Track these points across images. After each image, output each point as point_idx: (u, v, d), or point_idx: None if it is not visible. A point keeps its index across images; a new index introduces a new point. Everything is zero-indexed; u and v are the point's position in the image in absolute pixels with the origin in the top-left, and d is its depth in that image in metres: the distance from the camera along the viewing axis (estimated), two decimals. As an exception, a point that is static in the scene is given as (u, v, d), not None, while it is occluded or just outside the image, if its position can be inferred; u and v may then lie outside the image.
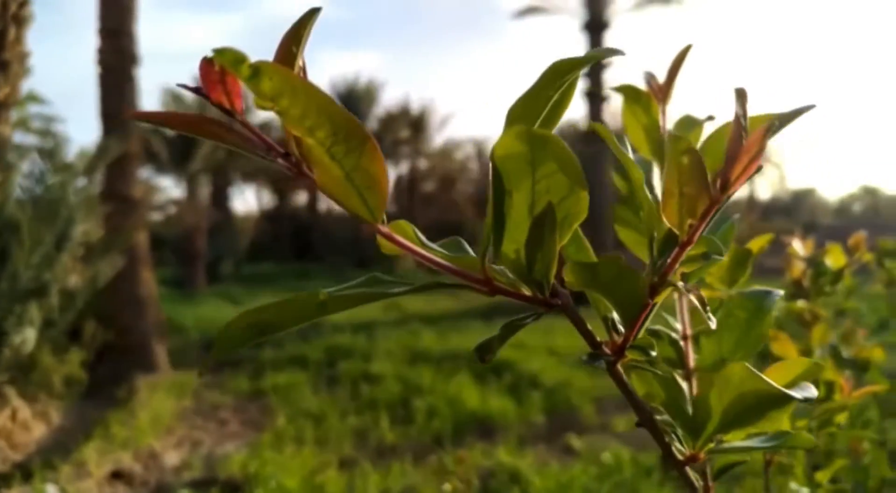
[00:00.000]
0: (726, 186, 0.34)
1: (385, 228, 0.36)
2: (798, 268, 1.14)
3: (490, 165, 0.36)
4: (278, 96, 0.31)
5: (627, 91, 0.52)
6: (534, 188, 0.35)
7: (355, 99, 21.02)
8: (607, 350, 0.40)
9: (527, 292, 0.38)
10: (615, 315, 0.41)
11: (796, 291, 1.13)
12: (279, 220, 22.09)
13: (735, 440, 0.41)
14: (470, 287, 0.38)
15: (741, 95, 0.32)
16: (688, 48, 0.49)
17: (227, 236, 16.16)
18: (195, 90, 0.34)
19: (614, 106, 13.04)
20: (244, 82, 0.31)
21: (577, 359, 5.96)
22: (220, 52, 0.29)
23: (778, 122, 0.34)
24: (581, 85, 11.61)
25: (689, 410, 0.43)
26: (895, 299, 1.44)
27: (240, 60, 0.29)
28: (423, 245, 0.38)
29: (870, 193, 31.51)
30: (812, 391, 0.36)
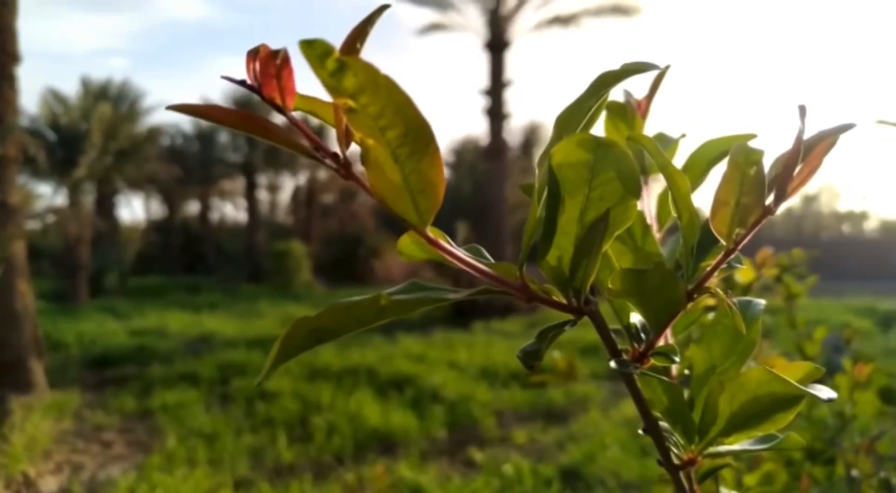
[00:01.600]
0: (781, 199, 0.35)
1: (431, 235, 0.36)
2: (711, 283, 1.17)
3: (544, 171, 0.35)
4: (359, 93, 0.30)
5: (612, 106, 0.53)
6: (589, 195, 0.35)
7: (254, 106, 20.51)
8: (626, 358, 0.40)
9: (561, 299, 0.38)
10: (637, 322, 0.42)
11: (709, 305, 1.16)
12: (169, 231, 21.20)
13: (736, 443, 0.42)
14: (508, 293, 0.37)
15: (803, 112, 0.33)
16: (667, 68, 0.51)
17: (112, 247, 15.36)
18: (243, 84, 0.33)
19: (514, 124, 13.33)
20: (324, 76, 0.30)
21: (478, 372, 6.01)
22: (309, 43, 0.29)
23: (824, 138, 0.35)
24: (483, 103, 11.74)
25: (693, 415, 0.44)
26: (792, 312, 1.52)
27: (328, 53, 0.29)
28: (456, 253, 0.38)
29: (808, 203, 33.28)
30: (831, 392, 0.37)
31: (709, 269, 0.39)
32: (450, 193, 19.74)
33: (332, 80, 0.30)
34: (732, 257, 0.38)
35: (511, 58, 12.20)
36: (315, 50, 0.29)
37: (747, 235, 0.37)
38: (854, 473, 1.40)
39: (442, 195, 0.34)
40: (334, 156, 0.34)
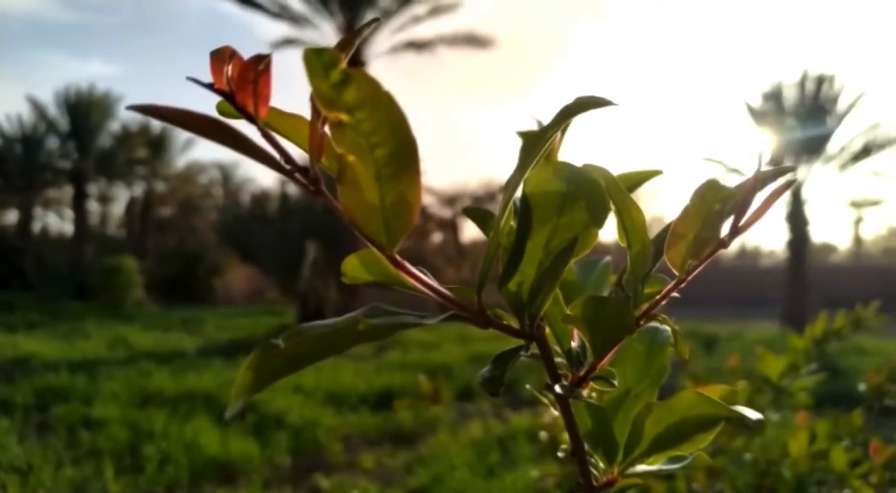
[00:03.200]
0: (735, 233, 0.37)
1: (399, 258, 0.35)
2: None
3: (507, 196, 0.35)
4: (358, 107, 0.30)
5: (529, 135, 0.53)
6: (557, 223, 0.36)
7: (84, 110, 19.07)
8: (565, 383, 0.41)
9: (514, 324, 0.38)
10: (579, 348, 0.43)
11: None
12: (-20, 241, 19.10)
13: (656, 463, 0.44)
14: (465, 319, 0.37)
15: (759, 157, 0.36)
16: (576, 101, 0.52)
17: None
18: (211, 87, 0.31)
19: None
20: (324, 88, 0.29)
21: (325, 396, 5.87)
22: (316, 51, 0.29)
23: (761, 180, 0.37)
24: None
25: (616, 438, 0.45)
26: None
27: (334, 64, 0.29)
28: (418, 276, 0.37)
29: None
30: (758, 414, 0.38)
31: (658, 297, 0.40)
32: (301, 212, 19.35)
33: (331, 91, 0.29)
34: (663, 286, 0.39)
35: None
36: (322, 59, 0.28)
37: (699, 266, 0.38)
38: (695, 486, 1.48)
39: (416, 219, 0.33)
40: (304, 171, 0.33)
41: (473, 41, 12.73)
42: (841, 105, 14.86)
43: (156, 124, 20.25)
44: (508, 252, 0.37)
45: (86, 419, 4.80)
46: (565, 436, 1.03)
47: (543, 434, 1.19)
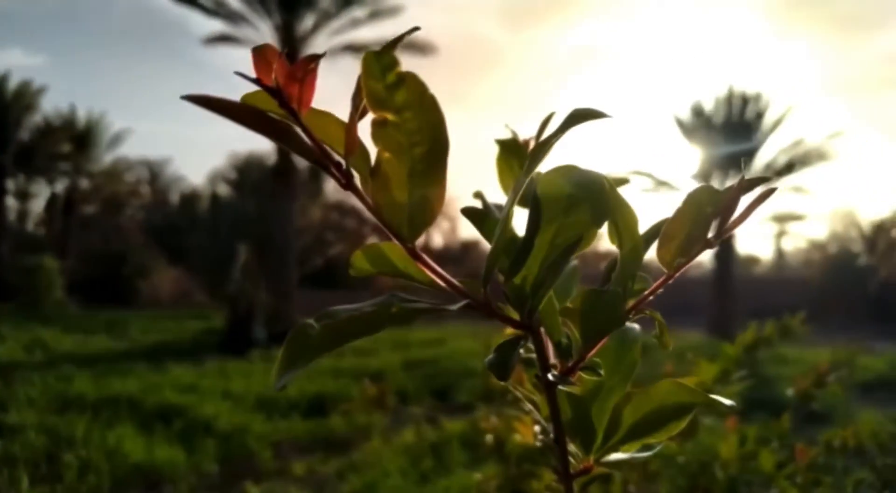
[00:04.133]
0: (720, 235, 0.40)
1: (418, 250, 0.38)
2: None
3: (513, 197, 0.37)
4: (405, 108, 0.33)
5: (506, 143, 0.56)
6: (563, 222, 0.38)
7: (1, 101, 18.19)
8: (555, 373, 0.43)
9: (515, 316, 0.41)
10: (570, 339, 0.44)
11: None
12: None
13: (631, 450, 0.47)
14: (475, 308, 0.39)
15: (745, 163, 0.39)
16: (551, 114, 0.54)
17: None
18: (258, 82, 0.33)
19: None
20: (378, 88, 0.32)
21: (255, 402, 5.75)
22: (376, 54, 0.31)
23: (744, 187, 0.40)
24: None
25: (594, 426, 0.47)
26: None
27: (391, 66, 0.32)
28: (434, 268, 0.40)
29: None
30: (730, 401, 0.42)
31: (646, 292, 0.43)
32: (231, 214, 18.93)
33: (385, 92, 0.32)
34: (646, 285, 0.43)
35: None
36: (381, 61, 0.31)
37: (687, 263, 0.41)
38: (630, 489, 1.51)
39: (437, 216, 0.36)
40: (338, 165, 0.35)
41: (414, 47, 12.75)
42: (766, 122, 15.54)
43: (81, 118, 19.52)
44: (517, 248, 0.39)
45: (-1, 426, 4.56)
46: (517, 436, 1.03)
47: (489, 437, 1.19)
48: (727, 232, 0.41)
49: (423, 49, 12.63)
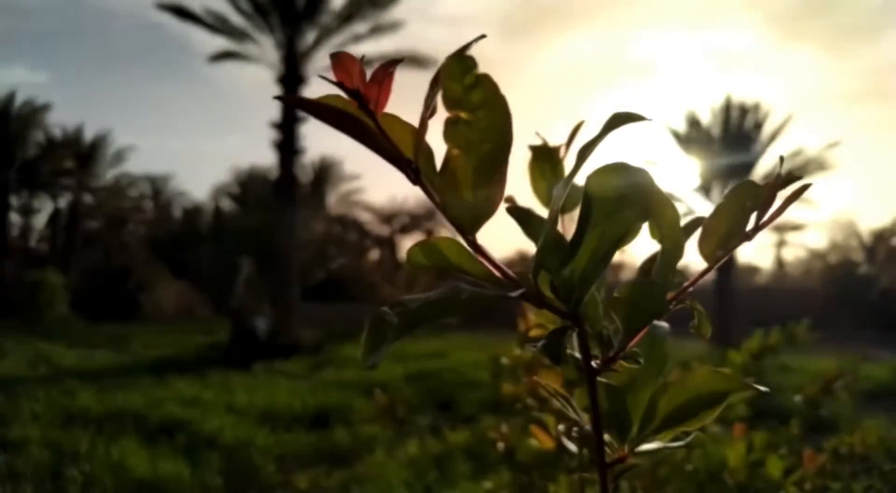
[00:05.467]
0: (758, 229, 0.43)
1: (477, 241, 0.40)
2: (531, 319, 1.22)
3: (561, 193, 0.39)
4: (479, 107, 0.35)
5: (539, 149, 0.58)
6: (613, 218, 0.40)
7: (5, 118, 18.27)
8: (595, 363, 0.45)
9: (562, 307, 0.42)
10: (611, 331, 0.46)
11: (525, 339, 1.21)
12: None
13: (665, 439, 0.48)
14: (527, 298, 0.41)
15: (781, 160, 0.42)
16: (581, 123, 0.57)
17: None
18: (341, 85, 0.35)
19: (304, 158, 13.22)
20: (457, 89, 0.35)
21: (259, 416, 5.73)
22: (460, 57, 0.34)
23: (780, 183, 0.43)
24: (273, 136, 11.55)
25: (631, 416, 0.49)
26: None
27: (471, 68, 0.34)
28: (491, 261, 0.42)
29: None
30: (765, 388, 0.45)
31: (686, 283, 0.45)
32: (234, 228, 18.95)
33: (463, 92, 0.35)
34: (682, 277, 0.45)
35: (310, 93, 12.16)
36: (463, 64, 0.34)
37: (725, 256, 0.44)
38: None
39: (495, 211, 0.39)
40: (408, 162, 0.37)
41: (414, 61, 12.80)
42: (765, 133, 15.57)
43: (86, 135, 19.60)
44: (570, 242, 0.40)
45: (2, 441, 4.55)
46: (532, 442, 1.03)
47: (500, 445, 1.19)
48: (765, 226, 0.43)
49: (423, 62, 12.69)
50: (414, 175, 0.38)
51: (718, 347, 10.78)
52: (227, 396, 6.45)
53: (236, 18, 12.95)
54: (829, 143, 15.33)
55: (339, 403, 6.24)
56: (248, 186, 21.96)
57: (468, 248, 0.40)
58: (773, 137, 15.51)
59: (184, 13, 12.83)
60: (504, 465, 1.19)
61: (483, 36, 0.34)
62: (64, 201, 19.22)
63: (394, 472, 4.21)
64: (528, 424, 0.96)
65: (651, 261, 0.45)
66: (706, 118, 15.84)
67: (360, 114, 0.36)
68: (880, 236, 23.57)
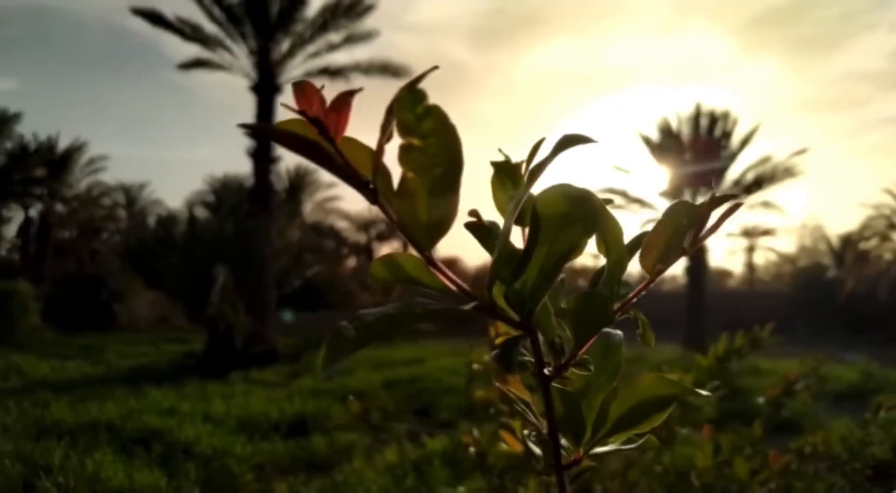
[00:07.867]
0: (694, 244, 0.46)
1: (433, 257, 0.42)
2: (500, 327, 1.25)
3: (512, 211, 0.42)
4: (430, 135, 0.38)
5: (500, 165, 0.59)
6: (559, 235, 0.43)
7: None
8: (548, 371, 0.47)
9: (514, 317, 0.45)
10: (562, 339, 0.49)
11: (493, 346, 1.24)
12: None
13: (617, 442, 0.51)
14: (482, 310, 0.44)
15: (714, 181, 0.48)
16: (542, 140, 0.58)
17: None
18: (304, 113, 0.37)
19: (280, 167, 13.16)
20: (409, 117, 0.37)
21: (236, 425, 5.70)
22: (409, 89, 0.37)
23: (715, 202, 0.46)
24: (248, 143, 11.47)
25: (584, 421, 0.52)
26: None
27: (421, 99, 0.37)
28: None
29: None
30: (707, 392, 0.46)
31: (630, 294, 0.48)
32: (209, 237, 18.78)
33: (415, 121, 0.38)
34: (628, 288, 0.48)
35: (284, 101, 12.14)
36: (415, 96, 0.37)
37: (664, 269, 0.47)
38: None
39: (449, 229, 0.41)
40: (367, 183, 0.40)
41: (388, 70, 12.84)
42: (734, 141, 15.82)
43: (59, 144, 19.33)
44: (519, 257, 0.43)
45: (-28, 455, 4.47)
46: (501, 447, 1.06)
47: (472, 450, 1.23)
48: (700, 242, 0.46)
49: (397, 71, 12.74)
50: (372, 195, 0.41)
51: (692, 350, 10.90)
52: (203, 405, 6.41)
53: (210, 26, 12.90)
54: (796, 150, 15.59)
55: (316, 411, 6.22)
56: (223, 194, 21.80)
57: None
58: (742, 145, 15.76)
59: (157, 19, 12.75)
60: (476, 471, 1.23)
61: (436, 67, 0.38)
62: (35, 211, 18.93)
63: (372, 479, 4.22)
64: (500, 429, 0.99)
65: (599, 274, 0.48)
66: (677, 126, 16.06)
67: (321, 140, 0.38)
68: (848, 241, 24.02)
